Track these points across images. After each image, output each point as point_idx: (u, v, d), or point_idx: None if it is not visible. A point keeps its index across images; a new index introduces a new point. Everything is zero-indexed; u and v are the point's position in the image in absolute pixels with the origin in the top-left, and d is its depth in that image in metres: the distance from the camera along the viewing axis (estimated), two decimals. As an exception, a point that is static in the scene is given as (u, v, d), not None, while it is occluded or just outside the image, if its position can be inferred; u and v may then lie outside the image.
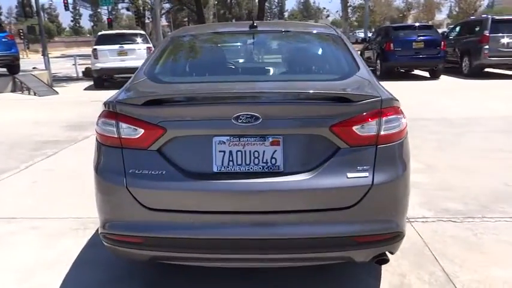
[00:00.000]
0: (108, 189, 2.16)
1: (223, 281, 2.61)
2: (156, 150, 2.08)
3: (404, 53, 13.43)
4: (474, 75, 13.19)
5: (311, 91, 2.09)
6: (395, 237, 2.16)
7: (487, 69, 13.67)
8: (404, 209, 2.22)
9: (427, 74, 14.16)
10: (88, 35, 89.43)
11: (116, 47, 12.68)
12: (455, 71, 14.18)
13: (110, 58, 12.50)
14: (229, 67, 2.94)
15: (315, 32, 3.18)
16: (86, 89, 13.31)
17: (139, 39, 13.29)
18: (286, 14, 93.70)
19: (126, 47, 12.75)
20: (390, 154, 2.12)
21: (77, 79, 16.80)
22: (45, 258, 2.95)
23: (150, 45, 13.33)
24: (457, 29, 15.60)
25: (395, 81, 11.60)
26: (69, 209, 3.77)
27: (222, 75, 2.75)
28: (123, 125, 2.10)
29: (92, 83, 13.93)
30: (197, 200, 2.06)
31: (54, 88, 12.76)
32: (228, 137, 2.05)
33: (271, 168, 2.05)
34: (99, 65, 12.55)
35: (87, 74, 16.49)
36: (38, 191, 4.31)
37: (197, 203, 2.06)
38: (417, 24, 16.49)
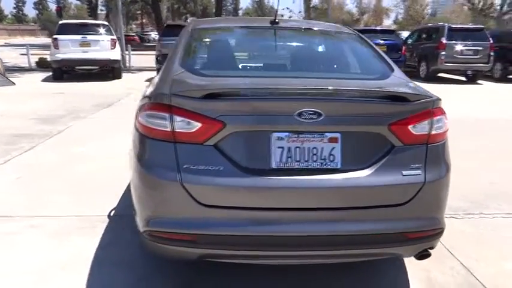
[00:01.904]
0: (158, 185, 2.07)
1: (251, 279, 2.58)
2: (213, 145, 2.02)
3: (367, 56, 13.82)
4: (430, 79, 13.89)
5: (374, 89, 2.12)
6: (439, 233, 2.24)
7: (440, 74, 14.44)
8: (445, 206, 2.30)
9: (387, 77, 14.68)
10: (32, 24, 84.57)
11: (79, 37, 12.10)
12: (413, 75, 14.78)
13: (71, 49, 11.90)
14: (268, 62, 2.91)
15: (338, 31, 3.22)
16: (44, 81, 12.59)
17: (103, 31, 12.77)
18: (240, 12, 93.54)
19: (89, 38, 12.20)
20: (438, 153, 2.20)
21: (30, 70, 15.86)
22: (59, 259, 2.77)
23: (114, 37, 12.86)
24: (415, 35, 16.33)
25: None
26: (65, 207, 3.57)
27: (265, 70, 2.72)
28: (178, 118, 2.02)
29: (48, 74, 13.22)
30: (255, 196, 2.03)
31: (10, 79, 11.98)
32: (287, 133, 2.03)
33: (329, 165, 2.06)
34: (60, 56, 11.91)
35: (42, 64, 15.66)
36: (26, 187, 4.04)
37: (255, 200, 2.03)
38: (379, 28, 17.07)
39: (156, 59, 12.79)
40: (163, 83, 2.27)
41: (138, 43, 36.24)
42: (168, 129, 2.04)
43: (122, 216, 3.41)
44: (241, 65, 2.79)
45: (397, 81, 2.44)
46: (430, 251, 2.30)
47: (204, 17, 66.10)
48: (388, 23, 74.44)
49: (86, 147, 5.38)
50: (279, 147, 2.04)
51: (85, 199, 3.73)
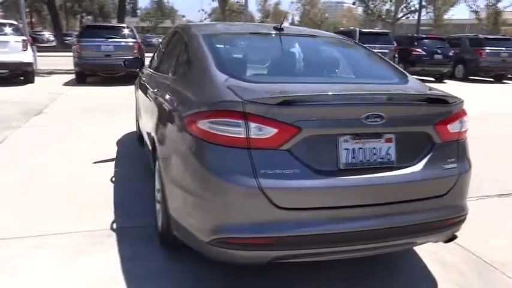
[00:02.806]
0: (234, 191, 2.08)
1: (287, 280, 2.69)
2: (287, 149, 2.09)
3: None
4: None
5: (422, 93, 2.36)
6: (465, 218, 2.55)
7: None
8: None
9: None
10: None
11: (-16, 38, 10.88)
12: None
13: (-24, 50, 10.66)
14: (304, 68, 3.01)
15: (342, 39, 3.46)
16: None
17: (12, 30, 11.59)
18: (139, 12, 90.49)
19: (-3, 38, 11.03)
20: (464, 148, 2.52)
21: None
22: (86, 279, 2.59)
23: (26, 37, 11.78)
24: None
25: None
26: (60, 224, 3.27)
27: (308, 76, 2.83)
28: (253, 125, 2.06)
29: None
30: (327, 196, 2.15)
31: None
32: (352, 136, 2.18)
33: (386, 163, 2.26)
34: (-39, 58, 10.59)
35: None
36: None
37: (327, 199, 2.15)
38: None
39: (76, 61, 12.00)
40: (218, 90, 2.28)
41: (32, 44, 33.38)
42: (242, 135, 2.06)
43: (127, 229, 3.26)
44: (281, 71, 2.86)
45: (420, 85, 2.73)
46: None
47: (102, 17, 62.75)
48: (285, 25, 78.27)
49: (41, 159, 4.94)
50: (345, 149, 2.18)
51: (76, 214, 3.48)
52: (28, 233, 3.13)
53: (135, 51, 12.21)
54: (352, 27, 17.54)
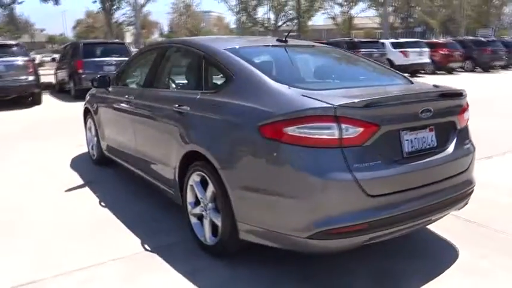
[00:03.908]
0: (333, 186, 2.35)
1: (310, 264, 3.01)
2: (370, 144, 2.43)
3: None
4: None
5: (448, 89, 2.90)
6: (474, 188, 3.15)
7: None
8: None
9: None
10: None
11: None
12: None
13: None
14: (340, 75, 3.33)
15: (338, 49, 3.92)
16: None
17: None
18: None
19: None
20: (469, 131, 3.12)
21: None
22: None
23: None
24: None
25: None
26: (82, 257, 3.08)
27: (349, 81, 3.17)
28: (343, 126, 2.35)
29: None
30: (401, 180, 2.54)
31: None
32: (410, 128, 2.62)
33: (432, 148, 2.74)
34: None
35: None
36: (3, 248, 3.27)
37: (402, 183, 2.54)
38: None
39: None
40: (295, 99, 2.51)
41: None
42: (335, 136, 2.34)
43: (166, 247, 3.19)
44: (324, 78, 3.17)
45: (423, 83, 3.28)
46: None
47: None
48: (154, 37, 77.53)
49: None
50: (406, 140, 2.60)
51: (96, 243, 3.30)
52: (61, 269, 2.91)
53: (30, 71, 11.21)
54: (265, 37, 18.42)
